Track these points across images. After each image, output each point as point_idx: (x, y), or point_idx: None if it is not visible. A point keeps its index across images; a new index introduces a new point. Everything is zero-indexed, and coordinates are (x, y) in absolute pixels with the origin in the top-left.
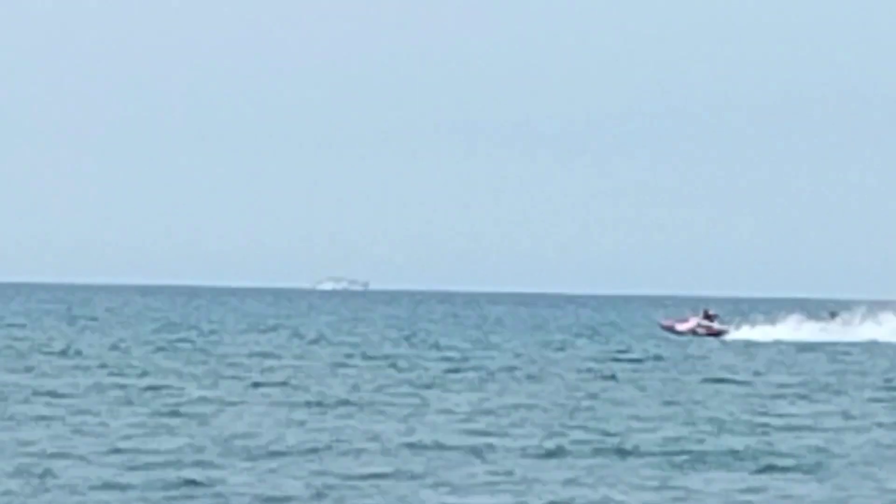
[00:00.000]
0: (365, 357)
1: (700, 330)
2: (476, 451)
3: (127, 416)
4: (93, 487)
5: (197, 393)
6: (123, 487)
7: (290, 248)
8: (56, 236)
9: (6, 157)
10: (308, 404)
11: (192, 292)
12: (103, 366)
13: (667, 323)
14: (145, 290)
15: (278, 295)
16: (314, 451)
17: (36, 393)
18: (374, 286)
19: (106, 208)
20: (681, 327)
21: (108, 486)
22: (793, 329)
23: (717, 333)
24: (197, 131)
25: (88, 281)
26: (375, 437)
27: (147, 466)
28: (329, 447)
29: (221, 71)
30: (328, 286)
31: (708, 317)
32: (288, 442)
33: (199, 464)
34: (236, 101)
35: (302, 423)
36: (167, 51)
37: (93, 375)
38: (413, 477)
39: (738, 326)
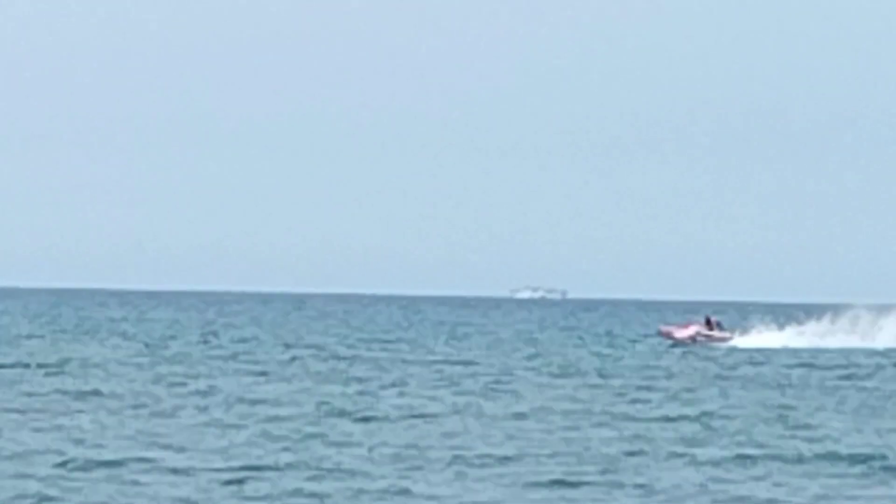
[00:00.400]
0: (562, 366)
1: (700, 338)
2: (677, 458)
3: (331, 425)
4: (288, 494)
5: (396, 401)
6: (320, 496)
7: (487, 256)
8: (255, 245)
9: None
10: (508, 413)
11: (389, 301)
12: (309, 373)
13: (665, 329)
14: (344, 299)
15: (475, 303)
16: (514, 458)
17: (240, 400)
18: (571, 295)
19: (305, 218)
20: (679, 334)
21: (302, 494)
22: (798, 335)
23: (719, 341)
24: (398, 139)
25: (287, 290)
26: (573, 445)
27: (343, 475)
28: (528, 454)
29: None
30: (525, 294)
31: (710, 324)
32: (488, 449)
33: (395, 472)
34: (438, 109)
35: (502, 431)
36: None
37: (299, 382)
38: (614, 485)
39: (742, 333)
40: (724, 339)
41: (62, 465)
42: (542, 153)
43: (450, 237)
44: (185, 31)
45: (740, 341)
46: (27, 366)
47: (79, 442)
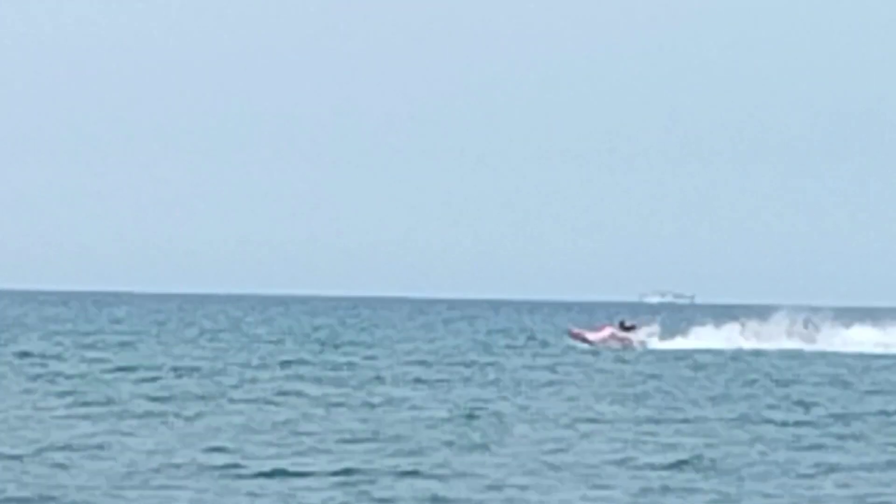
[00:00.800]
0: (692, 368)
1: (614, 341)
2: (826, 468)
3: (459, 429)
4: (417, 500)
5: (521, 402)
6: (449, 502)
7: (616, 260)
8: (373, 249)
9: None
10: (637, 418)
11: (519, 305)
12: (434, 378)
13: (577, 332)
14: (473, 304)
15: (604, 308)
16: (640, 463)
17: (367, 405)
18: (700, 300)
19: (429, 223)
20: (592, 337)
21: (430, 499)
22: (715, 337)
23: (634, 344)
24: (527, 145)
25: (407, 295)
26: (705, 450)
27: (473, 480)
28: (656, 460)
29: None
30: (654, 299)
31: (624, 327)
32: (613, 454)
33: (526, 478)
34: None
35: (628, 436)
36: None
37: (425, 387)
38: (765, 496)
39: (661, 338)
40: (638, 343)
41: (191, 468)
42: (668, 156)
43: (578, 241)
44: (191, 33)
45: (658, 344)
46: (158, 368)
47: (208, 446)
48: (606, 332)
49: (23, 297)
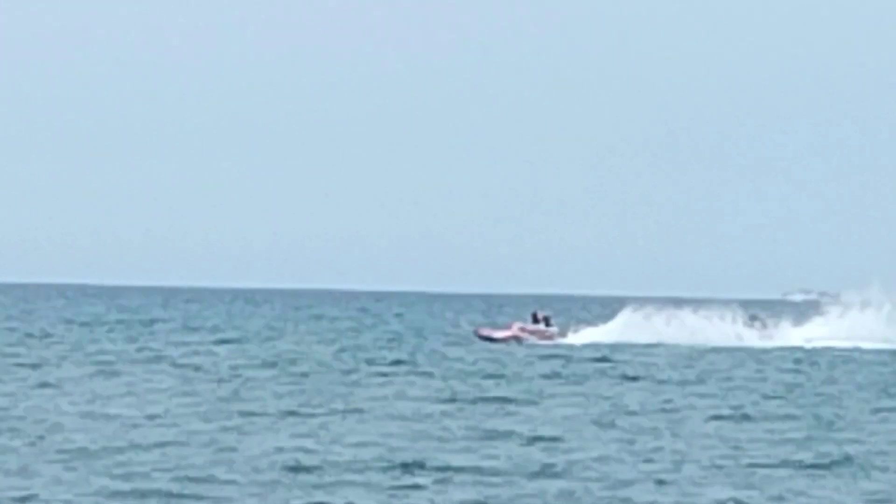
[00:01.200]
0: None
1: (524, 335)
2: None
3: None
4: (556, 497)
5: (643, 397)
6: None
7: (761, 258)
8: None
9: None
10: (776, 415)
11: (663, 302)
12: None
13: (484, 332)
14: (612, 301)
15: (744, 305)
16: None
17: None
18: (846, 297)
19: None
20: (499, 335)
21: (571, 498)
22: (627, 329)
23: (549, 338)
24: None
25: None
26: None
27: (590, 478)
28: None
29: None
30: (798, 297)
31: (536, 320)
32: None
33: (647, 474)
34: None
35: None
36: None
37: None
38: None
39: (576, 329)
40: (552, 336)
41: (331, 463)
42: (813, 154)
43: (721, 238)
44: (186, 30)
45: (575, 338)
46: (297, 364)
47: (348, 442)
48: (514, 328)
49: (165, 294)
